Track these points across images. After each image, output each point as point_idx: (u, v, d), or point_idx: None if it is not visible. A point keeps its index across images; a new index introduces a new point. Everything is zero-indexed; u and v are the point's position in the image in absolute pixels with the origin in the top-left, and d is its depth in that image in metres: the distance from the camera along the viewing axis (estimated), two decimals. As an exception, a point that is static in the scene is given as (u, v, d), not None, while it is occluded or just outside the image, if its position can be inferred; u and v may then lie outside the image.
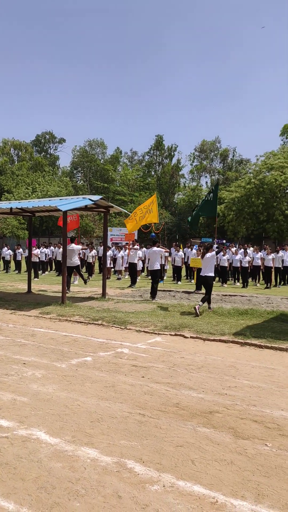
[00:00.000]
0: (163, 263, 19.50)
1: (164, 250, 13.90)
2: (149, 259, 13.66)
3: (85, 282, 15.94)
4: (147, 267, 22.18)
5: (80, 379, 5.70)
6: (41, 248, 24.39)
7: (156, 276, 13.16)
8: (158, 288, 16.52)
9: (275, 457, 3.63)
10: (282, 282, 19.16)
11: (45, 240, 48.50)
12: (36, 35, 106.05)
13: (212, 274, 11.28)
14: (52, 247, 25.48)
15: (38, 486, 3.13)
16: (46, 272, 25.07)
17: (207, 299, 11.04)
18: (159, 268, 13.51)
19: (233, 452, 3.72)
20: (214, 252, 11.26)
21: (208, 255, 11.11)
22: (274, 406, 4.80)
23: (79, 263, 15.85)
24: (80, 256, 21.75)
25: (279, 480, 3.28)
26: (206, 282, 11.22)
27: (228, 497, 3.03)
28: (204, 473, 3.36)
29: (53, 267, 26.03)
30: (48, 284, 18.59)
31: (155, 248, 13.29)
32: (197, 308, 10.36)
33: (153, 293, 13.07)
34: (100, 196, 12.72)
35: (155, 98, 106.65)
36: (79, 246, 15.99)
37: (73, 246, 15.16)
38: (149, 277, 15.88)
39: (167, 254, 16.65)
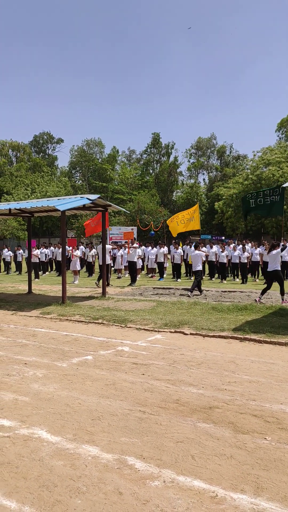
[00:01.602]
0: (161, 260, 19.55)
1: (204, 253, 15.41)
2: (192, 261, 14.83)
3: (108, 284, 16.51)
4: (146, 265, 22.27)
5: (81, 377, 5.74)
6: (41, 248, 24.42)
7: (199, 275, 14.31)
8: (157, 286, 16.57)
9: (274, 451, 3.67)
10: (282, 277, 19.18)
11: (45, 241, 48.52)
12: (34, 37, 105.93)
13: (279, 268, 12.23)
14: (52, 248, 25.51)
15: (39, 484, 3.17)
16: (47, 273, 25.10)
17: (281, 291, 12.06)
18: (201, 268, 14.71)
19: (233, 446, 3.76)
20: (279, 249, 12.17)
21: (274, 252, 12.06)
22: (273, 400, 4.84)
23: (109, 262, 16.91)
24: (81, 256, 21.82)
25: (278, 473, 3.31)
26: (276, 275, 12.06)
27: (228, 491, 3.07)
28: (204, 468, 3.40)
29: (54, 267, 26.07)
30: (48, 284, 18.62)
31: (197, 252, 14.47)
32: (257, 300, 11.87)
33: (199, 288, 14.31)
34: (98, 195, 12.74)
35: (151, 96, 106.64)
36: (110, 246, 17.12)
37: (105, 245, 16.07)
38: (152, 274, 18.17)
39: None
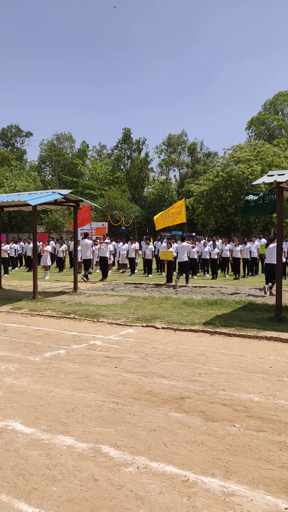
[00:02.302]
0: (133, 256, 19.65)
1: (191, 245, 16.74)
2: (177, 252, 16.15)
3: (87, 277, 17.18)
4: (117, 261, 22.32)
5: (54, 371, 5.78)
6: (11, 243, 24.11)
7: (185, 266, 15.65)
8: (129, 281, 16.68)
9: (242, 437, 3.83)
10: (250, 273, 19.60)
11: (14, 236, 47.81)
12: (5, 30, 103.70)
13: (275, 262, 12.57)
14: (22, 243, 25.21)
15: (15, 473, 3.22)
16: (16, 268, 24.81)
17: (273, 282, 12.42)
18: (187, 260, 15.94)
19: (203, 434, 3.90)
20: (275, 244, 12.59)
21: (271, 245, 12.59)
22: (242, 390, 5.02)
23: (89, 257, 17.70)
24: (51, 251, 21.66)
25: (246, 457, 3.47)
26: (271, 268, 12.51)
27: (199, 475, 3.20)
28: (176, 454, 3.52)
29: (23, 262, 25.78)
30: (18, 280, 18.44)
31: (183, 243, 15.79)
32: (267, 288, 12.46)
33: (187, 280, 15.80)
34: (70, 190, 12.71)
35: (122, 91, 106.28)
36: (91, 241, 17.70)
37: (86, 241, 17.34)
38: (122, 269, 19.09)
39: (194, 249, 18.45)
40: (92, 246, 17.91)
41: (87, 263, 17.82)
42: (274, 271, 12.28)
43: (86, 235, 17.96)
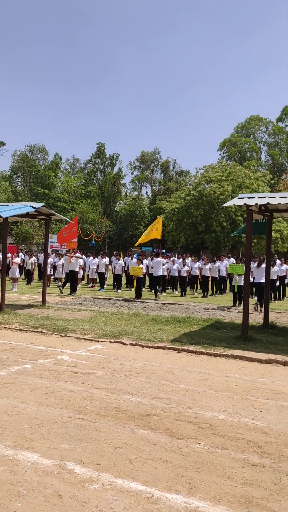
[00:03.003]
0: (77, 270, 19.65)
1: (165, 260, 17.96)
2: (152, 267, 17.56)
3: (60, 290, 17.48)
4: (87, 275, 22.24)
5: (20, 386, 5.72)
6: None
7: (159, 280, 17.17)
8: (98, 296, 16.64)
9: (207, 454, 3.90)
10: (218, 291, 19.91)
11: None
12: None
13: (264, 281, 13.32)
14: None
15: (-22, 490, 3.17)
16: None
17: (259, 300, 13.59)
18: (161, 274, 17.30)
19: (169, 451, 3.94)
20: (279, 262, 14.67)
21: (262, 265, 13.49)
22: (208, 408, 5.10)
23: (76, 269, 17.97)
24: (19, 263, 21.39)
25: (210, 474, 3.53)
26: (261, 287, 13.49)
27: (163, 491, 3.24)
28: (141, 471, 3.55)
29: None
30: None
31: (158, 259, 17.33)
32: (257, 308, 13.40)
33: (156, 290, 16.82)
34: (42, 204, 12.68)
35: (98, 107, 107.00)
36: (77, 255, 18.37)
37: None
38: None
39: (167, 265, 18.99)
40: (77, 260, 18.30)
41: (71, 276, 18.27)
42: (261, 288, 13.35)
43: (68, 250, 18.96)
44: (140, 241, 20.60)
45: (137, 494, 3.19)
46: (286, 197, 8.75)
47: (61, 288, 17.65)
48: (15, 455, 3.74)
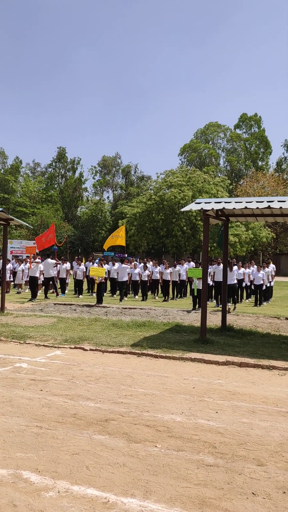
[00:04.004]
0: (60, 275, 19.52)
1: (129, 266, 18.78)
2: (117, 273, 18.29)
3: (57, 294, 18.78)
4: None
5: (-24, 395, 5.60)
6: None
7: (124, 285, 18.24)
8: (59, 302, 16.48)
9: (163, 457, 3.96)
10: (179, 295, 20.13)
11: None
12: None
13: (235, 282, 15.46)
14: None
15: None
16: None
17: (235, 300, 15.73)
18: (126, 279, 18.24)
19: (126, 455, 3.98)
20: (236, 267, 16.34)
21: (235, 268, 15.52)
22: (165, 411, 5.17)
23: (53, 275, 18.88)
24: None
25: (165, 477, 3.59)
26: (234, 288, 15.30)
27: (119, 496, 3.27)
28: (98, 476, 3.57)
29: None
30: None
31: (123, 265, 18.10)
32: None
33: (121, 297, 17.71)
34: (1, 209, 12.47)
35: (58, 110, 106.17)
36: (54, 261, 19.20)
37: (49, 260, 18.72)
38: (53, 289, 19.80)
39: (135, 270, 19.36)
40: (55, 266, 19.07)
41: (51, 280, 18.99)
42: (234, 290, 15.30)
43: (48, 255, 19.54)
44: (107, 244, 22.08)
45: (93, 500, 3.21)
46: (241, 202, 9.00)
47: (59, 293, 19.01)
48: None
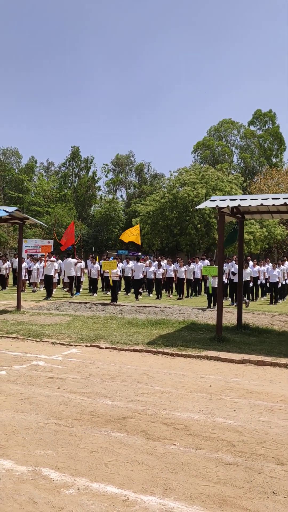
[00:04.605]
0: (78, 274, 19.57)
1: (145, 264, 18.61)
2: (133, 271, 18.44)
3: (72, 294, 18.35)
4: (63, 280, 22.10)
5: (-6, 393, 5.66)
6: None
7: (140, 283, 18.31)
8: (74, 300, 16.56)
9: (182, 455, 3.95)
10: (193, 293, 20.06)
11: None
12: None
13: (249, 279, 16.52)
14: None
15: None
16: None
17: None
18: (142, 277, 18.13)
19: (144, 453, 3.98)
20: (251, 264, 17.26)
21: (250, 264, 16.48)
22: (183, 409, 5.16)
23: (74, 274, 18.64)
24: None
25: (184, 475, 3.58)
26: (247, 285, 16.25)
27: (139, 494, 3.27)
28: (117, 474, 3.58)
29: None
30: None
31: (139, 263, 18.14)
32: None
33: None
34: (16, 208, 12.56)
35: (71, 110, 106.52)
36: (75, 260, 18.85)
37: (70, 259, 18.59)
38: (68, 288, 19.52)
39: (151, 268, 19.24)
40: (75, 264, 18.75)
41: (71, 280, 18.76)
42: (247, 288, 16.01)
43: (69, 255, 19.72)
44: (127, 239, 22.11)
45: (112, 497, 3.21)
46: (256, 199, 8.93)
47: (72, 293, 18.57)
48: (-11, 463, 3.71)
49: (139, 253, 28.33)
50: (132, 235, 21.99)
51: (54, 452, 3.95)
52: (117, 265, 17.01)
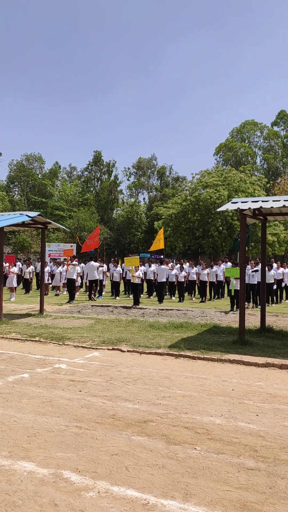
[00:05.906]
0: (101, 278, 19.67)
1: (168, 267, 18.70)
2: (157, 274, 18.29)
3: (90, 298, 18.43)
4: (85, 283, 22.25)
5: (17, 395, 5.72)
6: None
7: (163, 286, 18.36)
8: (96, 304, 16.63)
9: (203, 459, 3.91)
10: (216, 296, 19.92)
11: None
12: None
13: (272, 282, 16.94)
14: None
15: (-26, 500, 3.18)
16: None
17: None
18: (165, 280, 18.23)
19: (165, 457, 3.95)
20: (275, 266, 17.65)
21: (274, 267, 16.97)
22: (204, 413, 5.11)
23: (97, 277, 18.81)
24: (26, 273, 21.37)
25: (205, 480, 3.55)
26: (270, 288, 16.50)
27: (159, 498, 3.25)
28: (137, 478, 3.56)
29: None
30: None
31: (162, 266, 17.99)
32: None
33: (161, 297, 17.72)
34: (38, 213, 12.72)
35: (94, 114, 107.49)
36: (97, 263, 18.96)
37: (93, 263, 18.66)
38: (88, 291, 19.17)
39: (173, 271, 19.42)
40: (98, 268, 18.88)
41: (95, 283, 18.91)
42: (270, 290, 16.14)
43: (91, 258, 20.46)
44: (153, 248, 22.61)
45: (133, 501, 3.20)
46: (279, 200, 8.81)
47: (93, 297, 18.62)
48: (11, 465, 3.75)
49: (162, 256, 28.31)
50: (157, 241, 22.38)
51: (75, 455, 3.96)
52: (139, 268, 17.00)
